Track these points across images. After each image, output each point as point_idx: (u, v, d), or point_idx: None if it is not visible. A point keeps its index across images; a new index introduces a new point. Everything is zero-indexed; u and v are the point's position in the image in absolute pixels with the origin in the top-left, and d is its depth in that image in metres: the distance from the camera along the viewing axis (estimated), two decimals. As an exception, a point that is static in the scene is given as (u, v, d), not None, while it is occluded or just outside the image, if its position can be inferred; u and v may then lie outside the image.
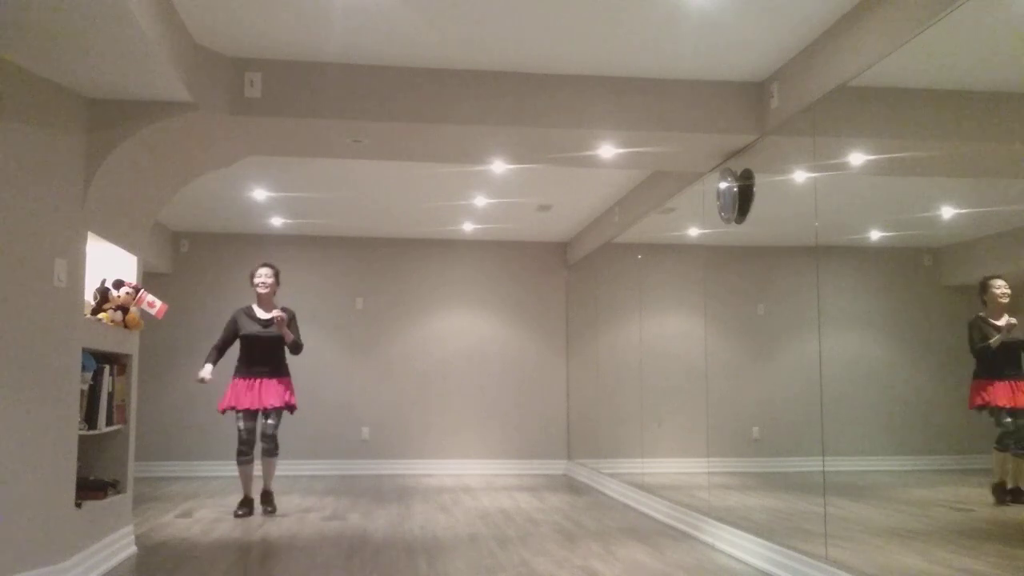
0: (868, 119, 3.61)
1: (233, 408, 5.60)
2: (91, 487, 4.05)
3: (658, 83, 4.42)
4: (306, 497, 6.58)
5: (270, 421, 5.69)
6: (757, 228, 4.53)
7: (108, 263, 4.37)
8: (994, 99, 3.03)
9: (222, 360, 5.77)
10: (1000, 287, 3.33)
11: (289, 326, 5.74)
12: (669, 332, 6.07)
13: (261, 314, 5.77)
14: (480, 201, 7.02)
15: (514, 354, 8.76)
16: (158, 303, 4.44)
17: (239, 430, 5.63)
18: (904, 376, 3.64)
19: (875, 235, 3.86)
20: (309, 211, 7.49)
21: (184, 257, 8.47)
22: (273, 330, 5.68)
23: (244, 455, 5.68)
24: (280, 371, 5.74)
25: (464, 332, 8.74)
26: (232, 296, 8.45)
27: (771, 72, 4.28)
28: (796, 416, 4.25)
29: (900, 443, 3.66)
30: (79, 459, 3.82)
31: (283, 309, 5.81)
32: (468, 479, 7.96)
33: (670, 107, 4.41)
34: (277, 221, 7.94)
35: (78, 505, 3.74)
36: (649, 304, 6.28)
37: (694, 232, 5.48)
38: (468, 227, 8.18)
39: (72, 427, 3.64)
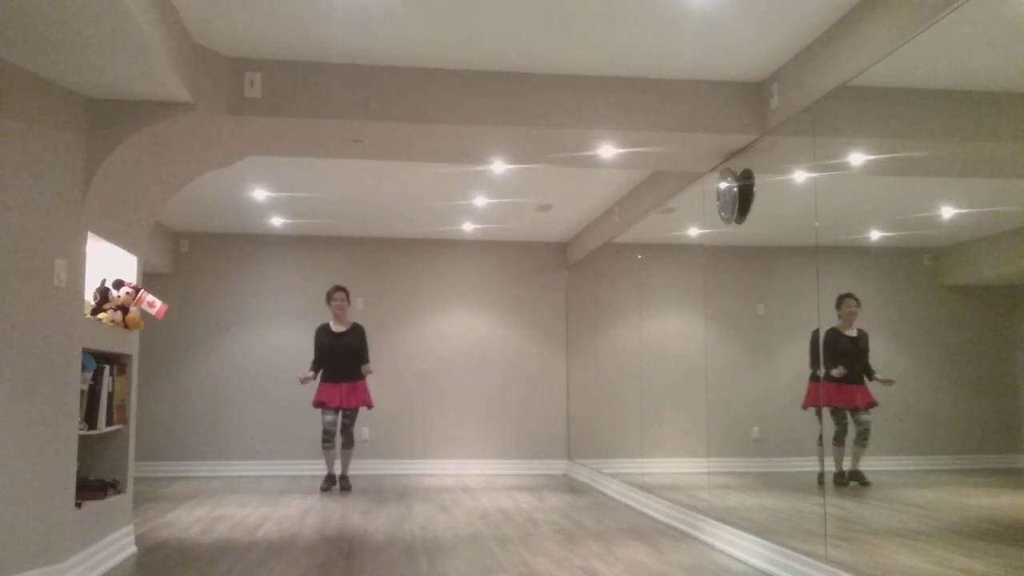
0: (868, 119, 3.61)
1: (322, 404, 6.88)
2: (91, 487, 4.05)
3: (658, 83, 4.42)
4: (306, 497, 6.58)
5: (346, 420, 6.92)
6: (757, 228, 4.53)
7: (108, 263, 4.37)
8: (994, 99, 3.03)
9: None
10: (851, 305, 3.94)
11: (362, 344, 7.05)
12: (669, 332, 6.07)
13: (336, 328, 7.05)
14: (480, 201, 7.02)
15: (514, 354, 8.76)
16: (158, 303, 4.45)
17: (324, 423, 6.87)
18: (904, 376, 3.65)
19: (875, 235, 3.86)
20: (309, 211, 7.49)
21: (184, 257, 8.47)
22: (342, 343, 6.95)
23: (327, 442, 6.88)
24: (355, 376, 6.96)
25: (464, 332, 8.74)
26: (232, 296, 8.47)
27: (771, 72, 4.28)
28: (796, 416, 4.25)
29: (901, 443, 3.67)
30: (79, 459, 3.82)
31: (354, 325, 7.10)
32: (468, 479, 7.96)
33: (670, 107, 4.41)
34: (277, 221, 7.94)
35: (78, 505, 3.74)
36: (649, 304, 6.28)
37: (694, 232, 5.48)
38: (468, 227, 8.18)
39: (72, 427, 3.64)
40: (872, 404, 3.97)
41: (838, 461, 4.16)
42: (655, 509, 5.67)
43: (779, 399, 4.51)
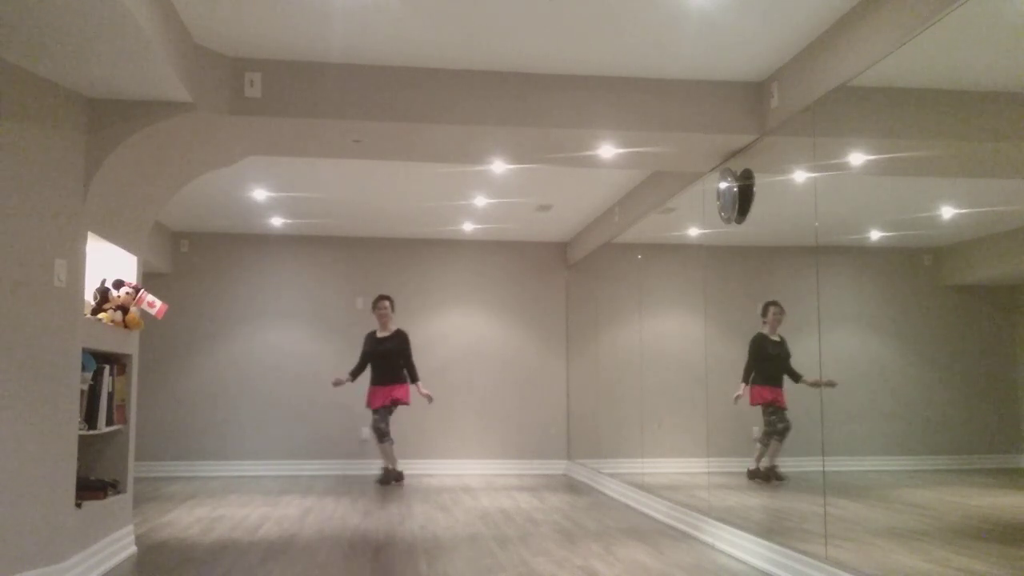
0: (868, 119, 3.61)
1: (370, 407, 7.44)
2: (91, 487, 4.06)
3: (658, 83, 4.42)
4: (306, 497, 6.58)
5: (377, 416, 7.39)
6: (757, 228, 4.53)
7: (108, 263, 4.37)
8: (994, 99, 3.03)
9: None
10: (775, 312, 4.40)
11: (403, 347, 7.49)
12: (669, 332, 6.07)
13: (380, 334, 7.56)
14: (480, 201, 7.02)
15: (514, 354, 8.76)
16: (158, 303, 4.45)
17: (373, 422, 7.40)
18: (904, 376, 3.65)
19: (875, 235, 3.86)
20: (309, 211, 7.49)
21: (184, 257, 8.47)
22: (385, 347, 7.45)
23: (380, 441, 7.42)
24: (398, 378, 7.43)
25: (464, 332, 8.74)
26: (232, 296, 8.46)
27: (771, 72, 4.28)
28: (796, 416, 4.25)
29: (900, 443, 3.67)
30: (79, 459, 3.82)
31: (397, 331, 7.56)
32: (468, 479, 7.96)
33: (670, 107, 4.41)
34: (277, 221, 7.94)
35: (78, 505, 3.74)
36: (649, 304, 6.28)
37: (694, 232, 5.48)
38: (468, 227, 8.18)
39: (72, 427, 3.64)
40: (784, 408, 4.32)
41: (760, 457, 4.60)
42: (655, 509, 5.67)
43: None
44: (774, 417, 4.54)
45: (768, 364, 4.52)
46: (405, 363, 7.47)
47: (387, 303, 7.56)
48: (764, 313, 4.45)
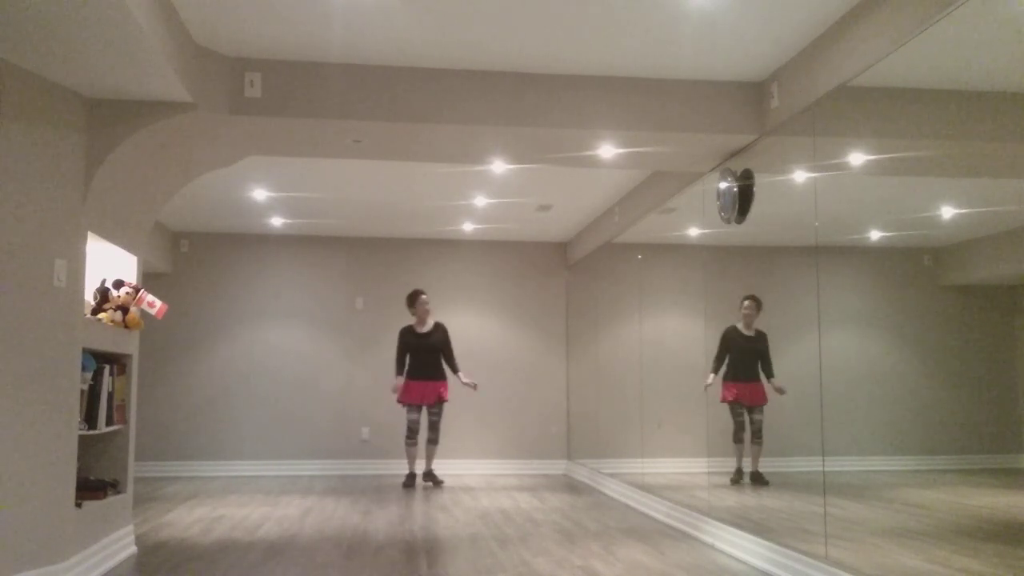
0: (868, 119, 3.61)
1: (410, 402, 7.27)
2: (91, 487, 4.06)
3: (658, 83, 4.42)
4: (306, 497, 6.58)
5: (434, 416, 7.33)
6: (757, 228, 4.53)
7: (108, 263, 4.37)
8: (994, 99, 3.03)
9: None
10: (748, 306, 4.56)
11: (446, 341, 7.43)
12: (669, 332, 6.07)
13: (420, 329, 7.43)
14: (480, 201, 7.02)
15: (514, 354, 8.76)
16: (158, 303, 4.44)
17: (408, 420, 7.26)
18: (904, 376, 3.65)
19: (875, 235, 3.86)
20: (309, 211, 7.49)
21: (184, 257, 8.47)
22: (430, 341, 7.36)
23: (410, 440, 7.29)
24: (438, 374, 7.35)
25: (464, 332, 8.73)
26: (232, 296, 8.46)
27: (771, 72, 4.28)
28: (796, 416, 4.25)
29: (900, 443, 3.67)
30: (79, 459, 3.82)
31: (437, 324, 7.49)
32: (468, 479, 7.96)
33: (670, 107, 4.41)
34: (277, 221, 7.94)
35: (78, 505, 3.74)
36: (649, 304, 6.28)
37: (694, 232, 5.48)
38: (468, 227, 8.18)
39: (72, 427, 3.64)
40: (763, 402, 4.36)
41: (738, 458, 4.63)
42: (655, 509, 5.67)
43: (778, 399, 4.51)
44: (753, 415, 4.56)
45: (739, 358, 4.53)
46: (447, 356, 7.38)
47: (426, 299, 7.47)
48: (741, 306, 4.53)
